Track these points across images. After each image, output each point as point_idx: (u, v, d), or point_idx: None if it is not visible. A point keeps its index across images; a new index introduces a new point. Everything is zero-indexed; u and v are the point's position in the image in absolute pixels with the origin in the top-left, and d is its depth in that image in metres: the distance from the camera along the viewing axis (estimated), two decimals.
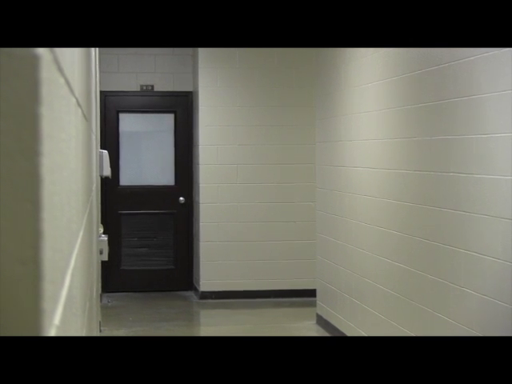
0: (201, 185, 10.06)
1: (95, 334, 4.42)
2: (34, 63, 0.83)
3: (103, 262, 7.92)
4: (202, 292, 10.07)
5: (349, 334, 7.47)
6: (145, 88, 10.48)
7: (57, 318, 1.02)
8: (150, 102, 10.53)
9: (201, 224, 10.08)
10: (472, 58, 4.91)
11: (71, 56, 1.57)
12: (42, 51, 0.87)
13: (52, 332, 0.94)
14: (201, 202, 10.06)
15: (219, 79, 10.03)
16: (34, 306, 0.82)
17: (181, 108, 10.58)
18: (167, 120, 10.63)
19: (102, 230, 6.58)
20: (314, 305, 8.82)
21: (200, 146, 10.05)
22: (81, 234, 2.13)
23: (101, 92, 9.44)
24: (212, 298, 10.02)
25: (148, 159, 10.60)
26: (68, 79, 1.42)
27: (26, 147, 0.82)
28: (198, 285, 10.18)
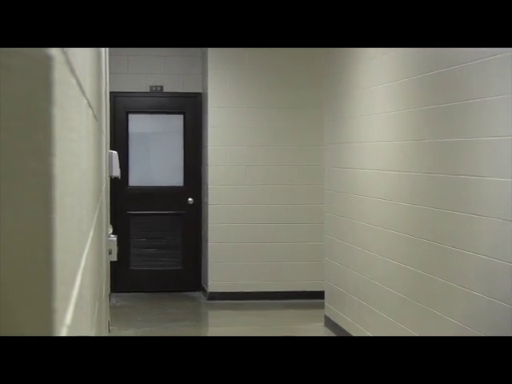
0: (209, 186, 10.07)
1: (104, 333, 4.43)
2: (47, 64, 0.84)
3: (112, 262, 7.93)
4: (210, 293, 10.08)
5: (356, 334, 7.46)
6: (154, 89, 10.49)
7: (68, 318, 1.02)
8: (160, 102, 10.55)
9: (209, 225, 10.08)
10: (483, 59, 4.90)
11: (82, 57, 1.57)
12: (55, 52, 0.87)
13: (63, 332, 0.94)
14: (209, 203, 10.07)
15: (228, 80, 10.04)
16: (46, 306, 0.83)
17: (190, 109, 10.59)
18: (176, 121, 10.65)
19: (111, 231, 6.59)
20: (322, 307, 8.81)
21: (209, 147, 10.05)
22: (91, 234, 2.14)
23: (110, 93, 9.45)
24: (220, 299, 10.03)
25: (157, 160, 10.61)
26: (79, 80, 1.42)
27: (39, 148, 0.83)
28: (206, 285, 10.19)
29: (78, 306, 1.27)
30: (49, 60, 0.84)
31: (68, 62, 1.09)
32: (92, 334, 2.12)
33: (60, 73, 0.95)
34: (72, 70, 1.18)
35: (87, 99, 1.81)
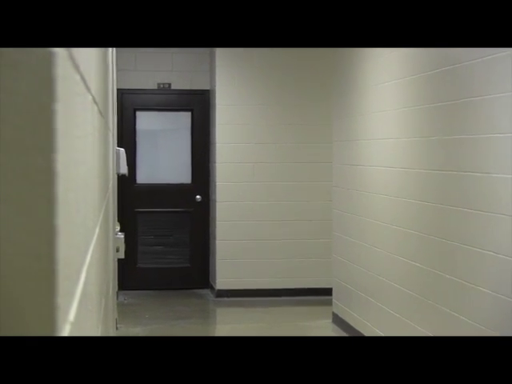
0: (217, 183, 10.07)
1: (111, 331, 4.43)
2: (50, 59, 0.84)
3: (119, 260, 7.94)
4: (218, 290, 10.08)
5: (364, 332, 7.46)
6: (162, 86, 10.49)
7: (71, 315, 1.02)
8: (167, 100, 10.55)
9: (217, 222, 10.08)
10: (491, 57, 4.89)
11: (87, 53, 1.57)
12: (58, 48, 0.87)
13: (66, 328, 0.94)
14: (217, 200, 10.07)
15: (236, 77, 10.03)
16: (49, 303, 0.82)
17: (198, 106, 10.59)
18: (184, 118, 10.64)
19: (118, 228, 6.60)
20: (329, 303, 8.81)
21: (217, 145, 10.05)
22: (97, 230, 2.14)
23: (118, 90, 9.46)
24: (228, 296, 10.03)
25: (165, 157, 10.61)
26: (84, 76, 1.42)
27: (41, 143, 0.82)
28: (214, 283, 10.19)
29: (82, 303, 1.26)
30: (51, 56, 0.84)
31: (72, 58, 1.09)
32: (98, 331, 2.13)
33: (63, 69, 0.95)
34: (76, 66, 1.17)
35: (92, 95, 1.81)
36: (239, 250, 10.08)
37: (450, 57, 5.49)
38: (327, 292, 9.16)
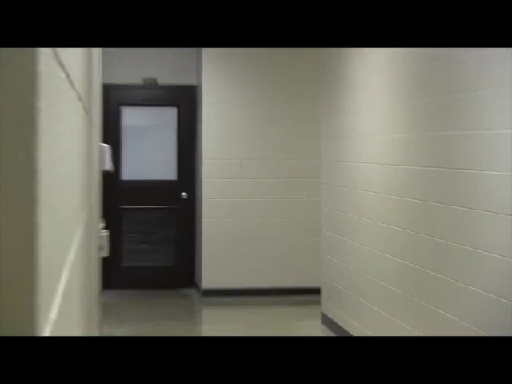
0: (203, 180, 10.05)
1: (94, 330, 4.42)
2: (33, 57, 0.83)
3: (104, 258, 7.90)
4: (204, 289, 10.05)
5: (354, 332, 7.47)
6: (148, 81, 10.46)
7: (53, 313, 1.01)
8: (153, 95, 10.52)
9: (203, 220, 10.06)
10: (482, 52, 4.89)
11: (72, 49, 1.56)
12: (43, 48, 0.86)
13: (47, 327, 0.93)
14: (203, 197, 10.05)
15: (223, 73, 10.02)
16: (30, 301, 0.82)
17: (184, 102, 10.57)
18: (170, 114, 10.62)
19: (102, 226, 6.58)
20: (318, 303, 8.78)
21: (203, 141, 10.04)
22: (80, 228, 2.12)
23: (103, 85, 9.41)
24: (214, 296, 9.99)
25: (150, 153, 10.58)
26: (68, 73, 1.41)
27: (24, 141, 0.81)
28: (200, 282, 10.16)
29: (64, 301, 1.25)
30: (35, 53, 0.83)
31: (56, 55, 1.08)
32: (80, 329, 2.11)
33: (47, 66, 0.94)
34: (60, 63, 1.16)
35: (77, 92, 1.80)
36: (225, 248, 10.06)
37: (440, 53, 5.50)
38: (316, 291, 9.13)
